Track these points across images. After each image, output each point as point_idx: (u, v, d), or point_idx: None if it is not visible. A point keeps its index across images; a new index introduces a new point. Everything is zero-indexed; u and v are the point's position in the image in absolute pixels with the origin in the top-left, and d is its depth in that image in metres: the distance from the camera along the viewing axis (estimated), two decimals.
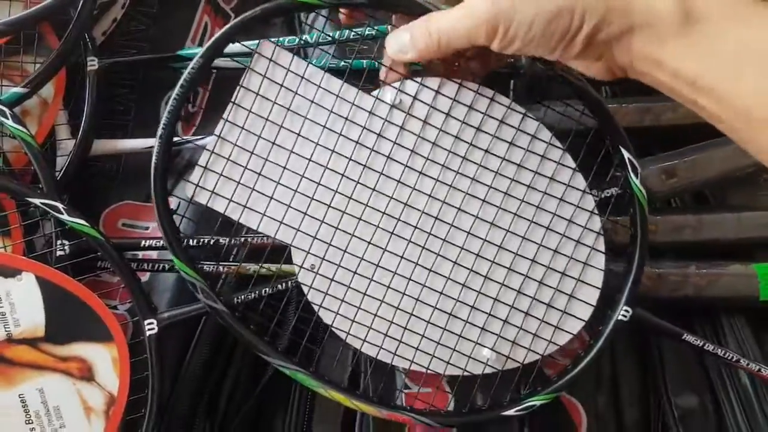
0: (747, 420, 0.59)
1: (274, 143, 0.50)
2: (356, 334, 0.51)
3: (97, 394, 0.51)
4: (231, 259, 0.58)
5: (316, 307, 0.51)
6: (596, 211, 0.53)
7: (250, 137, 0.50)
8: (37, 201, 0.51)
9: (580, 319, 0.53)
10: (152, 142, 0.59)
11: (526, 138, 0.52)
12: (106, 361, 0.52)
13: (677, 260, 0.60)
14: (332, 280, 0.51)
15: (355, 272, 0.51)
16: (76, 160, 0.58)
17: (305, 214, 0.51)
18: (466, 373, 0.52)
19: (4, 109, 0.53)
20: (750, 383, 0.60)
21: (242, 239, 0.57)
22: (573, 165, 0.52)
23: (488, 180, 0.52)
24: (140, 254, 0.58)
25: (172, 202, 0.59)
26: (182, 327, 0.53)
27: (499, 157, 0.52)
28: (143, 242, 0.56)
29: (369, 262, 0.51)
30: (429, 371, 0.52)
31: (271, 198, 0.50)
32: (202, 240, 0.56)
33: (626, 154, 0.53)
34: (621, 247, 0.55)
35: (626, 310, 0.53)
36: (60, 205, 0.51)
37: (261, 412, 0.60)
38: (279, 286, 0.54)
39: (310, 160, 0.50)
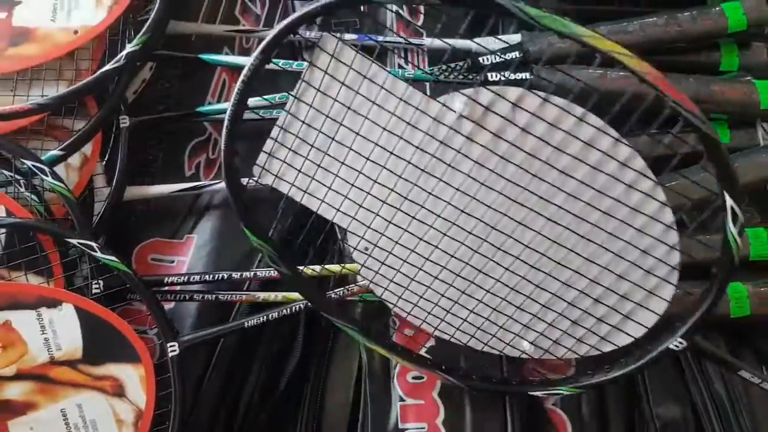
0: (723, 430, 0.61)
1: (333, 139, 0.50)
2: (404, 306, 0.55)
3: (127, 408, 0.58)
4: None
5: (367, 283, 0.55)
6: (674, 226, 0.49)
7: (310, 131, 0.50)
8: (75, 241, 0.59)
9: (631, 335, 0.53)
10: (177, 187, 0.67)
11: (614, 164, 0.47)
12: (135, 379, 0.58)
13: None
14: (383, 263, 0.54)
15: (403, 261, 0.53)
16: (111, 204, 0.65)
17: (360, 206, 0.52)
18: (502, 353, 0.55)
19: (44, 167, 0.60)
20: (725, 395, 0.62)
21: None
22: (661, 199, 0.49)
23: (560, 197, 0.49)
24: (166, 286, 0.65)
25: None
26: (203, 348, 0.58)
27: (578, 180, 0.48)
28: (166, 278, 0.63)
29: (421, 255, 0.53)
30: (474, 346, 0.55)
31: (330, 188, 0.52)
32: None
33: (730, 202, 0.47)
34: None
35: (680, 342, 0.50)
36: (95, 245, 0.59)
37: (272, 425, 0.65)
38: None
39: (368, 159, 0.50)
